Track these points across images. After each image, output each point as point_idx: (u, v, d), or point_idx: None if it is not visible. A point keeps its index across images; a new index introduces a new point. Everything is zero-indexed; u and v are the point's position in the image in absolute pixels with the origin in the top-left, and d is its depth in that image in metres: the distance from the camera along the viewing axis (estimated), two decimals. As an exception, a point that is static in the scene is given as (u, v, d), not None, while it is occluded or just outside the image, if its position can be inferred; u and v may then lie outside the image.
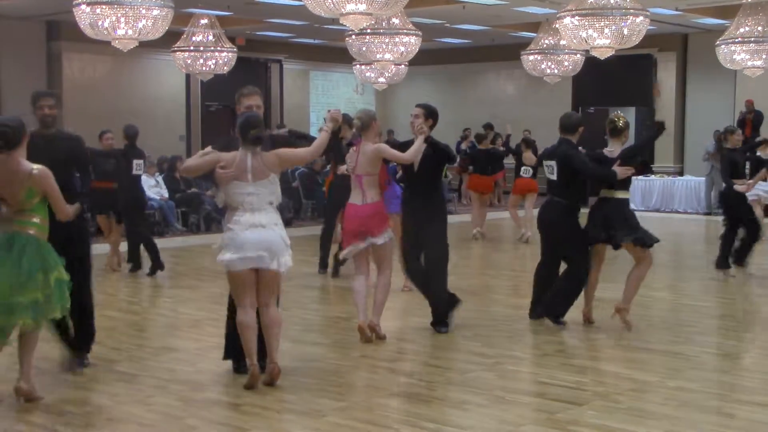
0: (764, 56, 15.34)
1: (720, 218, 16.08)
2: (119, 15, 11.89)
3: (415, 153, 7.32)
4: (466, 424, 5.31)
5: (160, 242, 13.52)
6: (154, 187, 14.79)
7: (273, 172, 5.97)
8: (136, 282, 10.79)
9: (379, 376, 6.49)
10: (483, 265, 12.46)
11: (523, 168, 14.57)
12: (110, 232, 11.44)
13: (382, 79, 19.17)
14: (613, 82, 22.16)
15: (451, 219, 18.05)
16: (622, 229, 7.58)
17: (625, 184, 7.73)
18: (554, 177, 7.77)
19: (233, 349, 6.24)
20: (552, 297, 7.84)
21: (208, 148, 6.10)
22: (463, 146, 21.81)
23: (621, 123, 7.86)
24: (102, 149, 11.21)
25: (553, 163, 7.76)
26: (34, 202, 5.60)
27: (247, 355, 5.95)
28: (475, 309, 8.82)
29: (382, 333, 7.39)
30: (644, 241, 7.60)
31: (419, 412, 5.50)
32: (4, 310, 5.48)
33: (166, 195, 14.88)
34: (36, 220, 5.63)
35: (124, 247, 11.43)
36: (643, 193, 19.66)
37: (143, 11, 11.98)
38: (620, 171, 7.55)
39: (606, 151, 7.91)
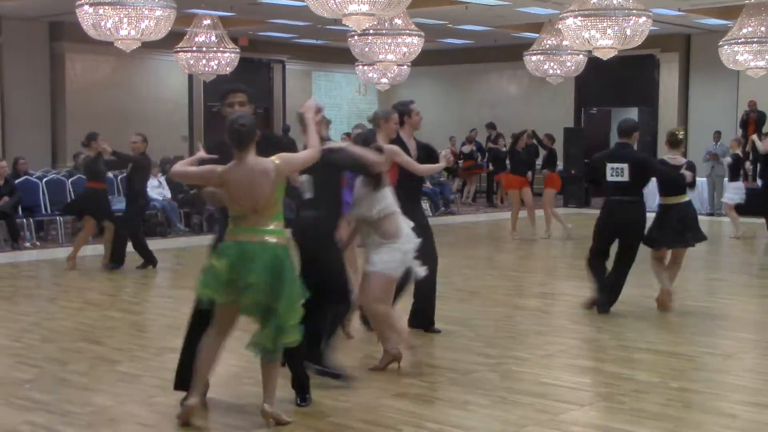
0: (767, 57, 15.33)
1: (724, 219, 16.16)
2: (122, 16, 11.93)
3: (429, 171, 7.41)
4: (468, 424, 5.30)
5: (163, 243, 13.56)
6: (156, 188, 14.79)
7: None
8: (137, 282, 10.80)
9: (381, 376, 6.48)
10: (486, 265, 12.45)
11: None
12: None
13: (384, 80, 19.20)
14: (615, 82, 22.17)
15: (453, 219, 18.12)
16: (694, 229, 8.47)
17: (685, 188, 8.52)
18: (624, 178, 8.23)
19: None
20: (612, 292, 8.47)
21: (200, 153, 5.61)
22: (466, 149, 21.77)
23: (680, 135, 8.70)
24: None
25: (622, 165, 8.21)
26: (281, 204, 5.14)
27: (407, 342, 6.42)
28: (477, 309, 8.82)
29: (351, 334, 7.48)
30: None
31: (422, 413, 5.50)
32: (277, 332, 5.07)
33: (169, 195, 14.88)
34: (280, 227, 5.14)
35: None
36: (647, 195, 19.66)
37: (146, 12, 12.02)
38: (689, 175, 8.36)
39: (668, 158, 8.67)
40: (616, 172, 8.23)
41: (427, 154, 7.58)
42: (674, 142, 8.67)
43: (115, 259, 11.51)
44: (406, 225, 6.22)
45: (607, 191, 8.49)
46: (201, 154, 5.40)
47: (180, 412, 5.26)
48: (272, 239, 5.09)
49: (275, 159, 5.11)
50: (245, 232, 5.08)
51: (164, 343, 7.47)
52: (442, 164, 7.42)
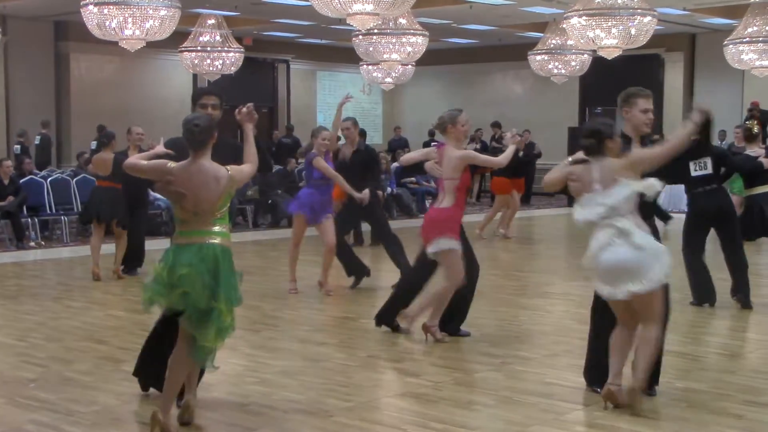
0: (772, 56, 15.33)
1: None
2: (126, 15, 11.95)
3: (507, 158, 7.32)
4: (473, 424, 5.30)
5: (168, 242, 13.56)
6: (161, 187, 14.80)
7: (622, 178, 5.39)
8: (142, 281, 10.77)
9: (386, 376, 6.49)
10: (490, 265, 12.44)
11: None
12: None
13: (389, 79, 19.20)
14: (620, 82, 22.05)
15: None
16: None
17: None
18: (708, 171, 8.64)
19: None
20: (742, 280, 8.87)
21: (158, 147, 5.48)
22: (471, 147, 21.77)
23: (756, 129, 9.29)
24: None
25: (705, 159, 8.64)
26: (225, 210, 5.10)
27: (615, 374, 5.49)
28: (482, 309, 8.81)
29: (438, 335, 7.25)
30: None
31: (426, 413, 5.49)
32: (217, 333, 5.00)
33: (173, 195, 14.88)
34: (224, 229, 5.09)
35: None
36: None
37: (150, 11, 12.04)
38: (767, 162, 8.90)
39: (749, 152, 9.24)
40: (700, 167, 8.64)
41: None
42: (749, 137, 9.34)
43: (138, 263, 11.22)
44: (599, 237, 5.35)
45: (690, 186, 8.83)
46: (159, 148, 5.38)
47: (179, 413, 5.25)
48: (214, 240, 5.03)
49: (229, 168, 5.07)
50: (187, 236, 5.04)
51: (169, 342, 7.46)
52: (512, 147, 7.33)
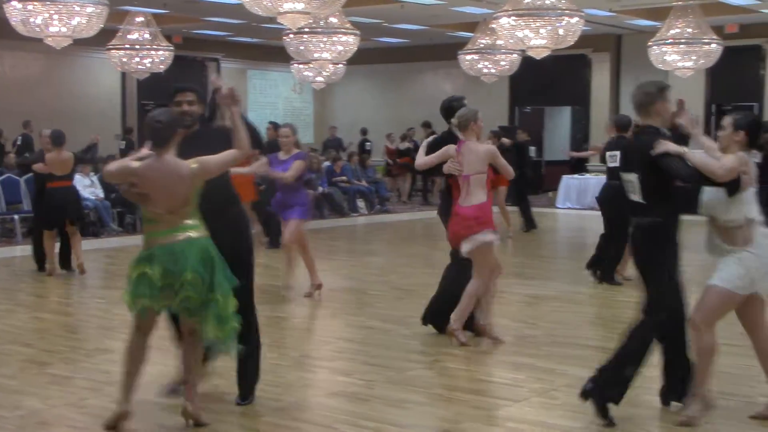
0: (694, 57, 15.69)
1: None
2: (52, 12, 11.67)
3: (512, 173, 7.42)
4: (405, 422, 5.32)
5: (96, 243, 13.37)
6: (89, 187, 14.56)
7: None
8: (68, 283, 10.61)
9: (317, 375, 6.49)
10: (422, 263, 12.50)
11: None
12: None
13: (320, 78, 19.13)
14: (549, 81, 22.45)
15: (389, 218, 18.16)
16: None
17: None
18: (616, 164, 9.29)
19: None
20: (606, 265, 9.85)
21: (144, 150, 5.35)
22: (402, 146, 21.81)
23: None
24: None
25: (617, 153, 9.33)
26: (194, 202, 5.00)
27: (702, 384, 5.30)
28: (413, 307, 8.86)
29: (462, 338, 7.10)
30: None
31: (358, 411, 5.50)
32: (219, 321, 4.98)
33: (102, 195, 14.67)
34: (195, 222, 5.00)
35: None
36: (578, 192, 19.94)
37: (77, 8, 11.77)
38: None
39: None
40: (612, 159, 9.66)
41: None
42: (621, 128, 10.02)
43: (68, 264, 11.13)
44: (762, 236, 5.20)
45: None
46: (144, 151, 5.21)
47: (110, 417, 5.11)
48: (194, 234, 4.98)
49: (193, 163, 4.98)
50: (165, 235, 4.95)
51: (96, 344, 7.36)
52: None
